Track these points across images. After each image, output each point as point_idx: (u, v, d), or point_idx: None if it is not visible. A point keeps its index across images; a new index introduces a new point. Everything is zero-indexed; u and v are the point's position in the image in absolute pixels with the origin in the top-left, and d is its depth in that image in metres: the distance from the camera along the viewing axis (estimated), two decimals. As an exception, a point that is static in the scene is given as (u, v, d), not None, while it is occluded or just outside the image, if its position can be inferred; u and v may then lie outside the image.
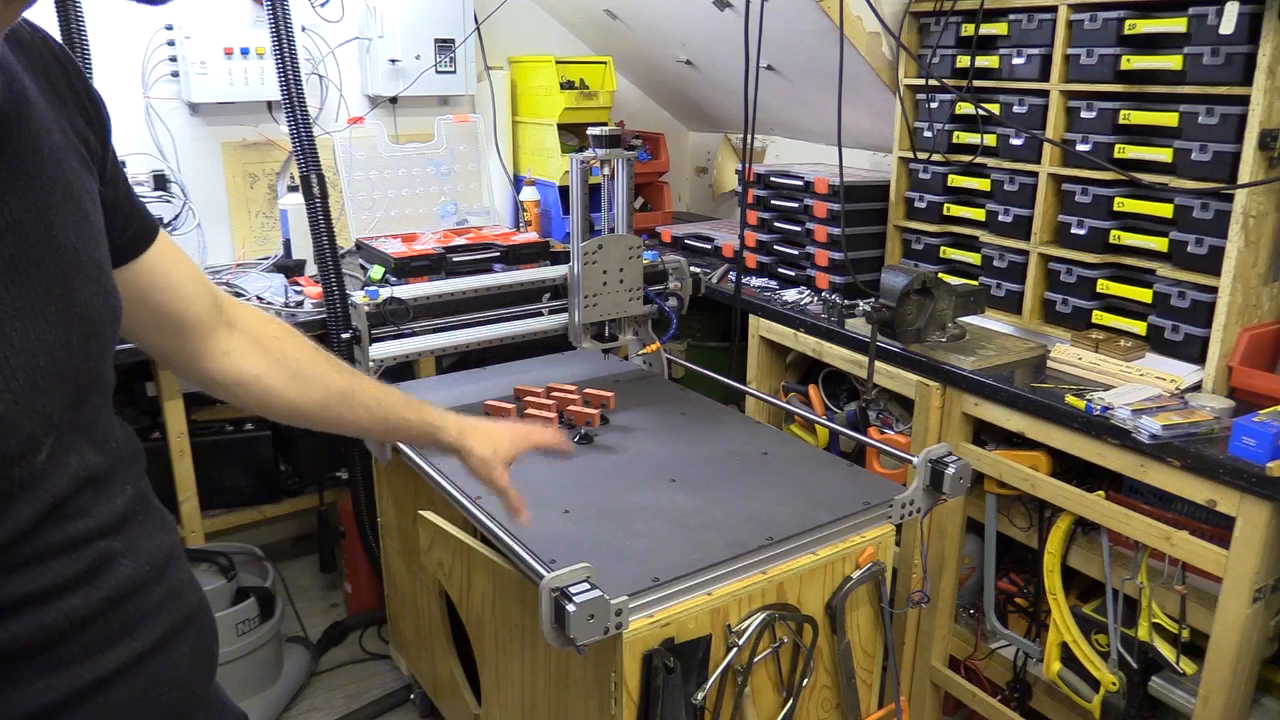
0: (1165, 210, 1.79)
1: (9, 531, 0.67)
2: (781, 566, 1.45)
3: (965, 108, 2.12)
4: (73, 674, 0.71)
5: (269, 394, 0.99)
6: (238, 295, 2.37)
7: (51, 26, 2.01)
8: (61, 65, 0.77)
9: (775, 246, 2.58)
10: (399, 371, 2.28)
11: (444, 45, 2.90)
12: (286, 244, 2.69)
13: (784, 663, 1.49)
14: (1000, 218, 2.09)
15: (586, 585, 1.20)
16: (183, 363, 0.95)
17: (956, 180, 2.20)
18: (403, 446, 1.79)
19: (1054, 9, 1.91)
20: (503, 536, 1.44)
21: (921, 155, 2.24)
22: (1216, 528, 1.56)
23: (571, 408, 1.85)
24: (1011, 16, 2.00)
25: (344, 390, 1.04)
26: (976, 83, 2.07)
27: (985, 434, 1.96)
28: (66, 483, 0.70)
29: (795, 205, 2.48)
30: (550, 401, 1.90)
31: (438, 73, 2.91)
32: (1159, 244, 1.82)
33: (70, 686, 0.71)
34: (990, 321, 2.13)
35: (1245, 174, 1.63)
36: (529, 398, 1.93)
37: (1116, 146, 1.85)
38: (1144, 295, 1.85)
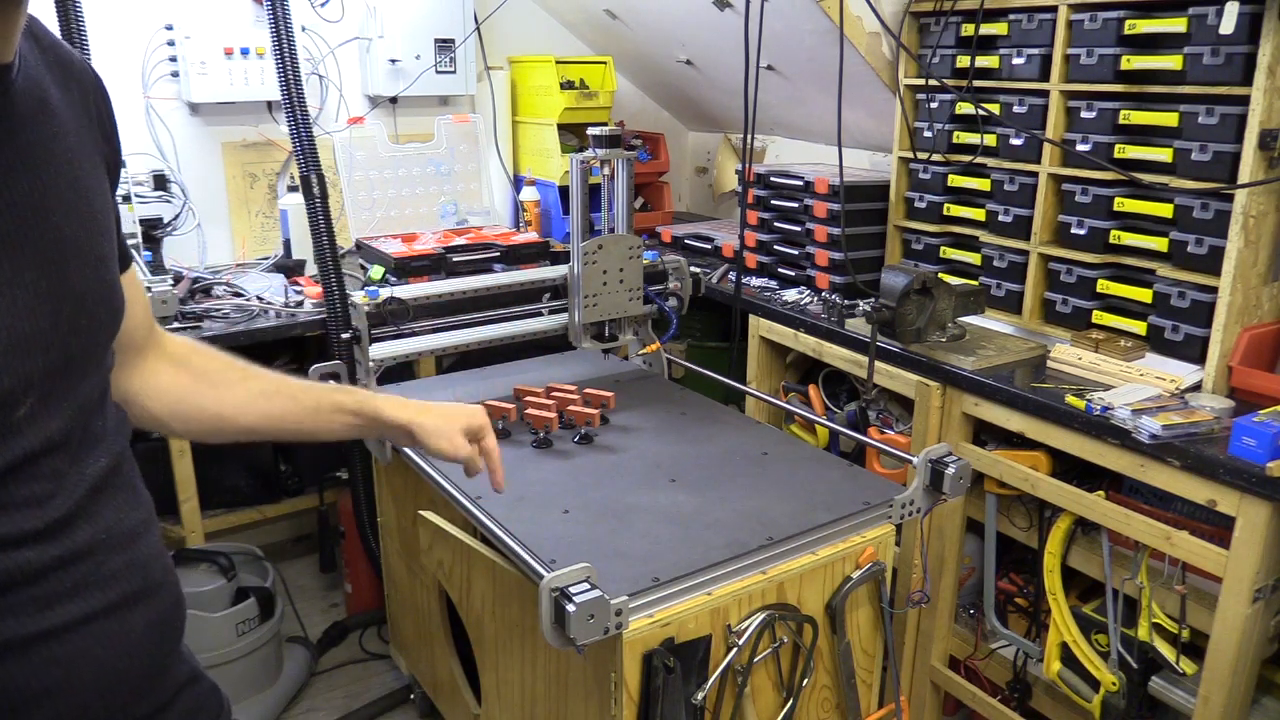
0: (1165, 210, 1.79)
1: None
2: (781, 566, 1.45)
3: (965, 108, 2.12)
4: (19, 622, 0.75)
5: (191, 405, 1.03)
6: (237, 295, 2.38)
7: (51, 26, 2.01)
8: (99, 95, 0.88)
9: (775, 246, 2.58)
10: (399, 371, 2.28)
11: (444, 45, 2.90)
12: (286, 244, 2.69)
13: (784, 663, 1.49)
14: (1000, 218, 2.09)
15: (586, 585, 1.20)
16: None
17: (956, 180, 2.20)
18: (404, 448, 1.79)
19: (1054, 9, 1.91)
20: (503, 536, 1.44)
21: (921, 155, 2.24)
22: (1216, 528, 1.56)
23: (571, 408, 1.85)
24: (1011, 16, 2.00)
25: (265, 387, 1.07)
26: (976, 83, 2.07)
27: (985, 434, 1.96)
28: (40, 443, 0.75)
29: (795, 205, 2.48)
30: (550, 401, 1.90)
31: (438, 73, 2.91)
32: (1159, 244, 1.82)
33: (14, 634, 0.75)
34: (990, 321, 2.13)
35: (1245, 174, 1.63)
36: (529, 398, 1.93)
37: (1116, 146, 1.85)
38: (1144, 295, 1.85)
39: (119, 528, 0.84)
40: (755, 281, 2.59)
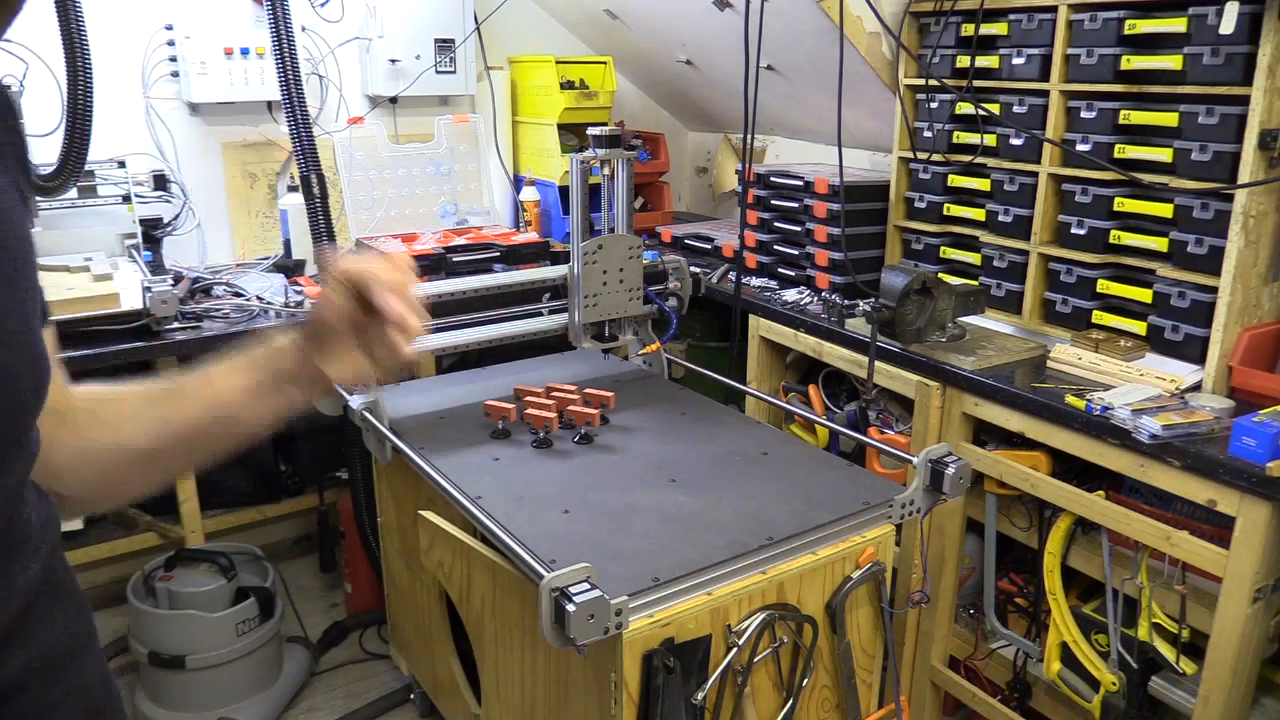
0: (1165, 210, 1.79)
1: None
2: (781, 566, 1.45)
3: (965, 108, 2.12)
4: None
5: (86, 449, 0.81)
6: (237, 295, 2.38)
7: (51, 27, 2.01)
8: (7, 110, 0.71)
9: (775, 246, 2.58)
10: (398, 372, 2.28)
11: (444, 45, 2.90)
12: (286, 244, 2.69)
13: (784, 663, 1.49)
14: (1000, 218, 2.09)
15: (586, 585, 1.20)
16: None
17: (956, 180, 2.20)
18: (403, 447, 1.79)
19: (1054, 9, 1.91)
20: (503, 536, 1.43)
21: (921, 155, 2.24)
22: (1216, 528, 1.56)
23: (571, 408, 1.85)
24: (1011, 16, 2.00)
25: (167, 389, 0.85)
26: (976, 83, 2.07)
27: (985, 434, 1.96)
28: None
29: (795, 205, 2.48)
30: (550, 401, 1.90)
31: (438, 73, 2.91)
32: (1159, 244, 1.82)
33: None
34: (990, 321, 2.13)
35: (1245, 174, 1.63)
36: (529, 398, 1.93)
37: (1116, 146, 1.85)
38: (1144, 295, 1.85)
39: (55, 648, 0.68)
40: (755, 281, 2.59)
